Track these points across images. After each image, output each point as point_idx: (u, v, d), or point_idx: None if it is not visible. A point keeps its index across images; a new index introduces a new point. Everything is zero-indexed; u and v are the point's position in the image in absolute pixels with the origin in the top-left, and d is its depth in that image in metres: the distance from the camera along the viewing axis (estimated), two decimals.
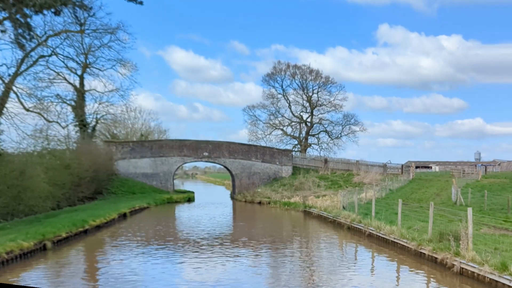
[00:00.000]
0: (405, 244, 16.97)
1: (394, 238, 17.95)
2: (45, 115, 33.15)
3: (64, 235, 17.30)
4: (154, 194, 41.61)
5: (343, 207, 28.12)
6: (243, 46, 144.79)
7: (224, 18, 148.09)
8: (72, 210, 27.12)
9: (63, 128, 35.92)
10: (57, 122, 35.46)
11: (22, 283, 11.20)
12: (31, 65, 35.37)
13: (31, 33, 24.22)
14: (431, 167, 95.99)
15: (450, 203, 34.50)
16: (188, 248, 18.46)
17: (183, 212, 34.42)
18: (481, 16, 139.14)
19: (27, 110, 31.18)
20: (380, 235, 19.39)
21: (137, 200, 34.94)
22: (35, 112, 31.89)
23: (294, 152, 55.12)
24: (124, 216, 27.40)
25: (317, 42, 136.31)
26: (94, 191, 37.71)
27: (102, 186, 39.16)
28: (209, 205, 39.34)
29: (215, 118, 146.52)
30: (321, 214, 28.83)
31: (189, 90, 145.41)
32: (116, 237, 20.10)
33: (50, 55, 37.38)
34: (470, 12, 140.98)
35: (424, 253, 15.38)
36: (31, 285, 10.59)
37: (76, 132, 45.95)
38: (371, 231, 20.54)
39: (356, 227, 22.47)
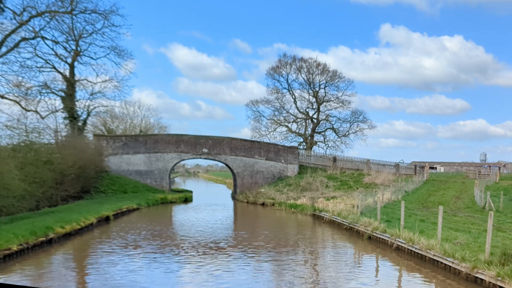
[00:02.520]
0: (451, 264, 13.24)
1: (434, 255, 14.21)
2: (22, 104, 29.46)
3: (15, 248, 13.51)
4: (147, 193, 37.94)
5: (360, 212, 24.40)
6: (245, 44, 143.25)
7: (225, 16, 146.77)
8: (49, 211, 23.49)
9: (43, 118, 32.25)
10: (36, 111, 31.76)
11: None
12: (12, 49, 31.78)
13: (1, 5, 20.59)
14: (436, 168, 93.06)
15: (476, 208, 30.77)
16: (173, 265, 14.79)
17: (176, 215, 30.65)
18: (483, 17, 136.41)
19: (2, 97, 27.57)
20: (414, 249, 15.65)
21: (126, 201, 31.27)
22: (10, 100, 28.25)
23: (300, 150, 51.39)
24: (106, 219, 23.68)
25: (319, 41, 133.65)
26: (81, 189, 34.07)
27: (89, 184, 35.52)
28: (208, 207, 35.57)
29: (218, 116, 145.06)
30: (334, 219, 25.13)
31: (191, 87, 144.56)
32: (85, 250, 16.28)
33: (33, 38, 33.66)
34: (473, 13, 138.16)
35: (483, 279, 11.65)
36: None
37: (66, 125, 42.48)
38: (400, 243, 16.83)
39: (380, 238, 18.76)
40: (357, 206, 24.46)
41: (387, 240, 17.93)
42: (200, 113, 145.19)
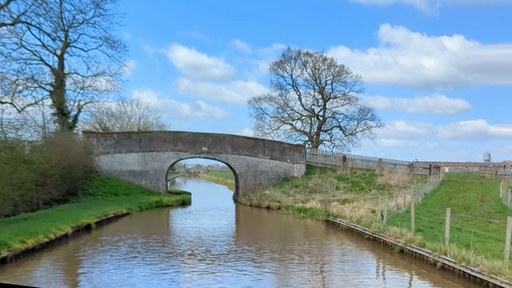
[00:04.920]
0: None
1: (503, 283, 10.76)
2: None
3: None
4: (141, 196, 34.48)
5: (382, 218, 20.92)
6: (244, 44, 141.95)
7: (224, 16, 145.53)
8: (21, 218, 20.12)
9: (19, 111, 28.83)
10: (11, 104, 28.30)
11: None
12: None
13: None
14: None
15: (509, 213, 27.37)
16: None
17: (170, 222, 27.04)
18: (483, 17, 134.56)
19: None
20: (470, 272, 12.19)
21: (115, 204, 27.82)
22: None
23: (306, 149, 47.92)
24: (87, 228, 20.21)
25: (319, 41, 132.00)
26: (66, 192, 30.63)
27: (77, 186, 32.07)
28: (207, 211, 31.96)
29: (218, 116, 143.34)
30: (353, 227, 21.68)
31: (191, 88, 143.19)
32: (45, 274, 12.67)
33: (13, 24, 30.24)
34: (473, 12, 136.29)
35: None
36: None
37: (55, 121, 39.13)
38: (446, 262, 13.38)
39: (417, 253, 15.32)
40: (381, 213, 20.93)
41: (427, 257, 14.48)
42: (200, 114, 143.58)
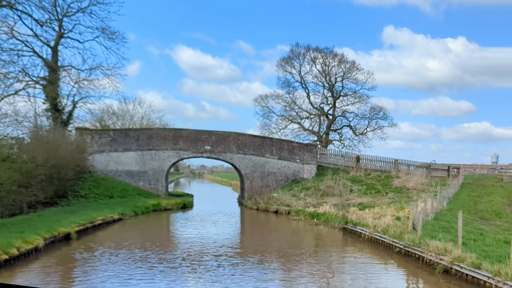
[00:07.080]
0: None
1: None
2: None
3: None
4: (138, 198, 31.50)
5: (414, 228, 17.84)
6: (249, 46, 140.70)
7: (228, 17, 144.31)
8: None
9: None
10: None
11: None
12: None
13: None
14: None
15: None
16: None
17: (166, 230, 23.94)
18: (487, 19, 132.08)
19: None
20: None
21: (107, 209, 24.82)
22: None
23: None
24: (66, 238, 17.21)
25: (322, 43, 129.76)
26: (54, 194, 27.74)
27: (67, 187, 29.17)
28: (209, 217, 28.76)
29: (222, 117, 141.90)
30: (378, 238, 18.60)
31: (196, 89, 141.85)
32: None
33: None
34: (477, 14, 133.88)
35: None
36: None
37: (48, 117, 36.38)
38: None
39: (468, 275, 12.24)
40: (413, 222, 17.81)
41: (486, 282, 11.41)
42: (204, 114, 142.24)
